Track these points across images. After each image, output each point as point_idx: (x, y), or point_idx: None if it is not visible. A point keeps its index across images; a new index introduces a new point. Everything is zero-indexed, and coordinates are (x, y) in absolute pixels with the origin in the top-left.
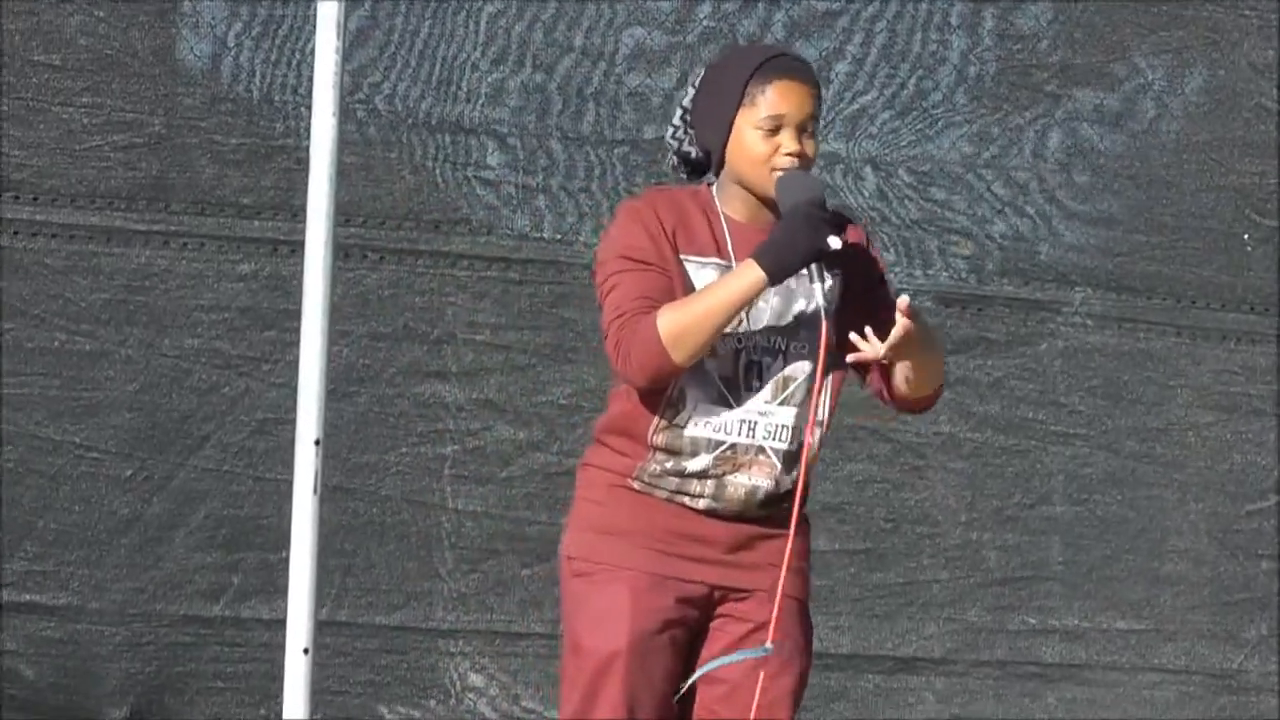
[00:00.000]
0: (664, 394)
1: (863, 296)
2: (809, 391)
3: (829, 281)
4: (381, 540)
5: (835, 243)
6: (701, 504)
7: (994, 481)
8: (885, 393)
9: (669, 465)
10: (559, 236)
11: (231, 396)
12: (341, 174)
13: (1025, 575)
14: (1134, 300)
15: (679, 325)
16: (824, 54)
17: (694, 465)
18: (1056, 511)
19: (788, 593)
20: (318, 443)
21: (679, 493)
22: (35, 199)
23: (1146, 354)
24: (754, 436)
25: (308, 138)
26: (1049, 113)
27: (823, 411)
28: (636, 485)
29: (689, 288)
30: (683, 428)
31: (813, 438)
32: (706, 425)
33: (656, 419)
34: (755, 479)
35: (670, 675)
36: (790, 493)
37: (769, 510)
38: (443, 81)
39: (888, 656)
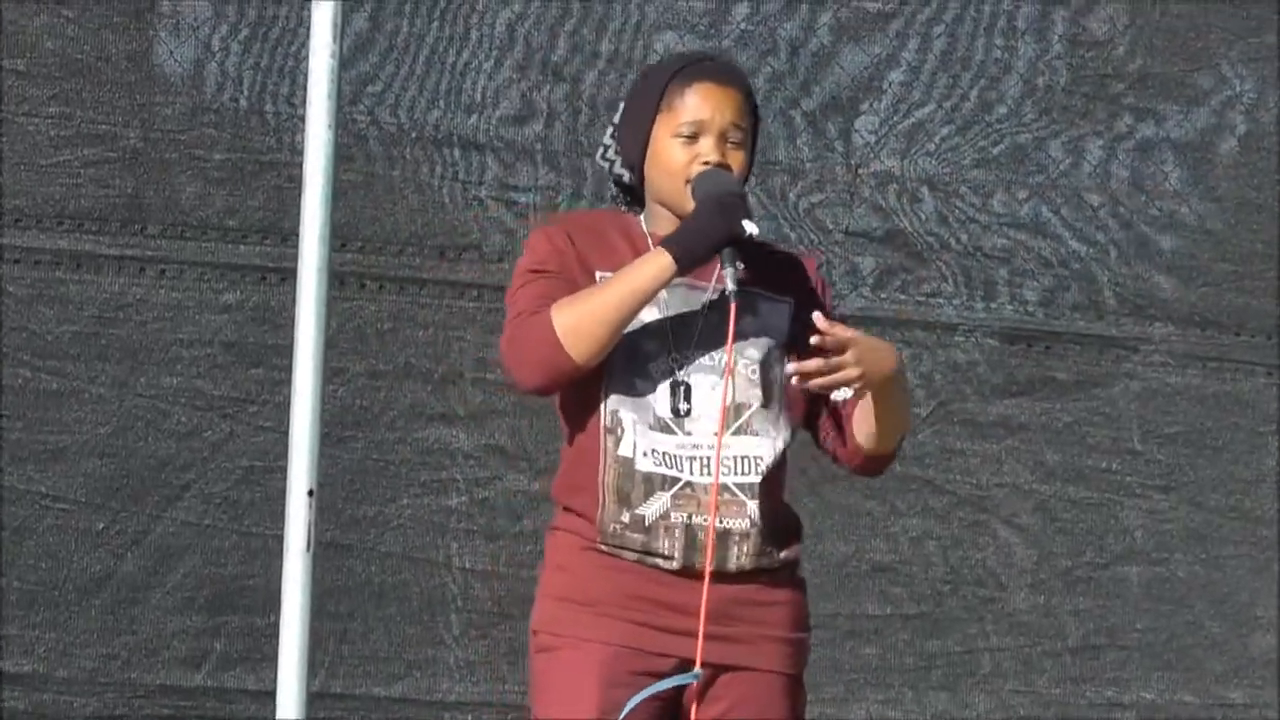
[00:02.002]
0: (597, 421)
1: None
2: (770, 418)
3: (741, 268)
4: (380, 603)
5: (751, 227)
6: (675, 565)
7: (1064, 539)
8: (838, 448)
9: (625, 519)
10: None
11: (214, 441)
12: (338, 193)
13: (1099, 643)
14: (1219, 337)
15: (575, 316)
16: (876, 61)
17: (651, 511)
18: (1133, 572)
19: (775, 667)
20: (310, 494)
21: (647, 554)
22: None
23: (1233, 397)
24: (708, 473)
25: (301, 153)
26: (1126, 128)
27: (779, 435)
28: (604, 547)
29: None
30: (631, 459)
31: (763, 449)
32: (654, 457)
33: (601, 456)
34: (726, 522)
35: None
36: (778, 538)
37: (756, 563)
38: (452, 91)
39: None
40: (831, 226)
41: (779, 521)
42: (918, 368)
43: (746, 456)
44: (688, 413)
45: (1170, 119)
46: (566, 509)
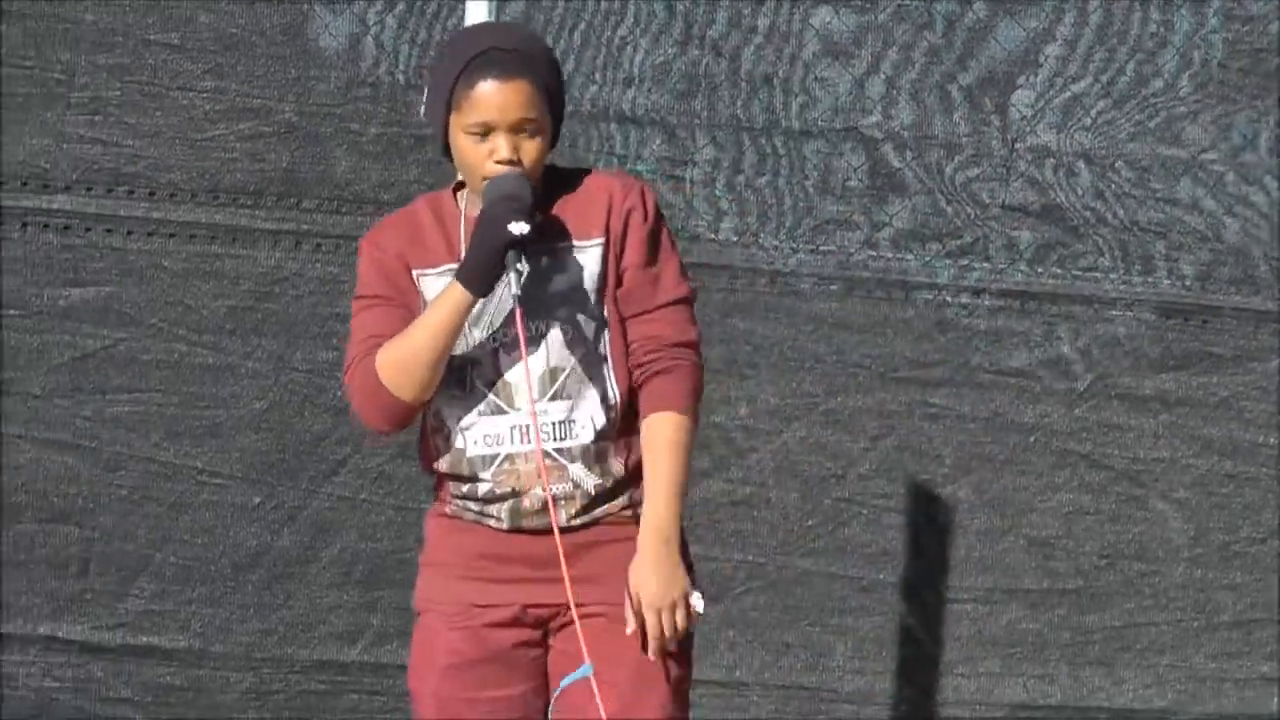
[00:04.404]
0: (423, 421)
1: (620, 269)
2: (587, 376)
3: (524, 268)
4: None
5: (518, 228)
6: (504, 527)
7: (1220, 513)
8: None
9: (465, 489)
10: (735, 239)
11: None
12: None
13: (1256, 618)
14: None
15: (395, 363)
16: (1032, 35)
17: (482, 488)
18: None
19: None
20: None
21: (482, 515)
22: (152, 194)
23: None
24: (529, 441)
25: None
26: None
27: (610, 389)
28: (448, 510)
29: (425, 305)
30: (463, 449)
31: (593, 415)
32: (483, 443)
33: (434, 450)
34: (551, 488)
35: (509, 705)
36: (615, 490)
37: (593, 515)
38: (609, 66)
39: (1103, 708)
40: (988, 201)
41: (611, 472)
42: (1075, 342)
43: (565, 421)
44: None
45: None
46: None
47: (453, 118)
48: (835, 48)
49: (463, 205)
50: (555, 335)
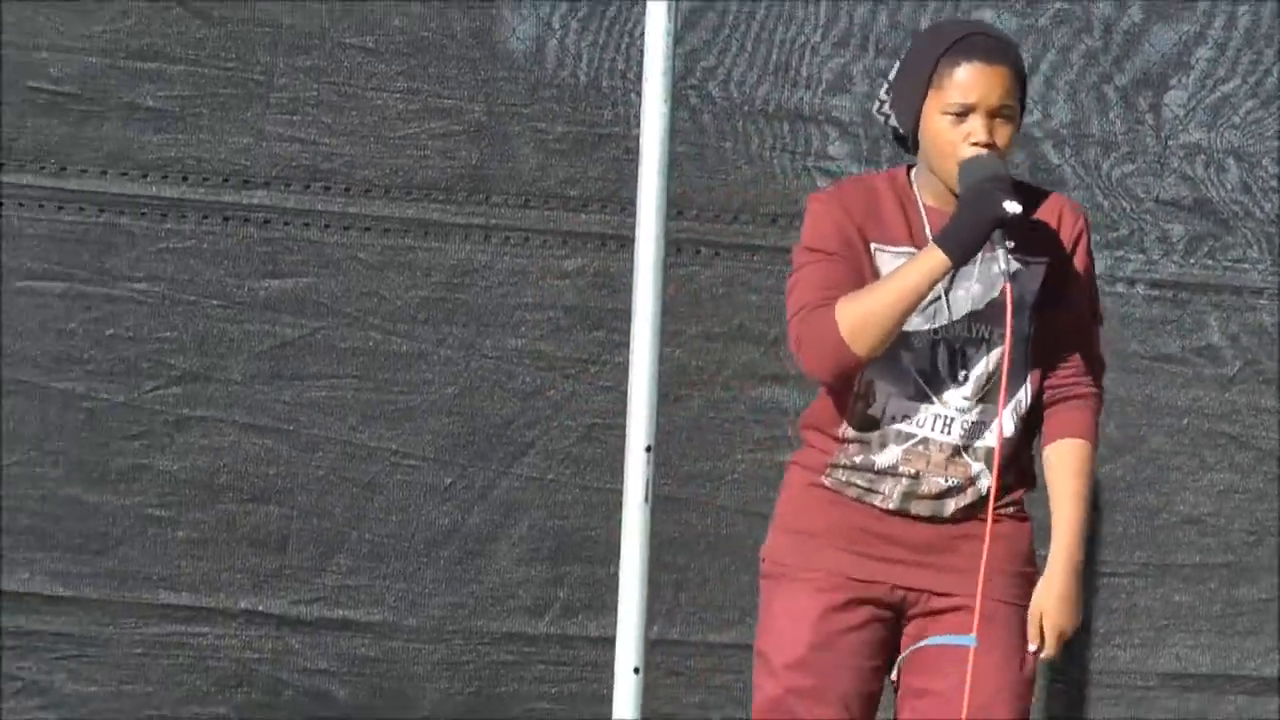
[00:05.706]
0: (852, 389)
1: (1056, 291)
2: (1012, 380)
3: (1011, 245)
4: (716, 554)
5: (1013, 207)
6: (891, 504)
7: None
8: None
9: (858, 460)
10: None
11: (556, 400)
12: (673, 164)
13: None
14: None
15: (858, 316)
16: (1183, 38)
17: (883, 459)
18: None
19: (998, 596)
20: (649, 450)
21: (869, 491)
22: (347, 190)
23: None
24: (950, 434)
25: (637, 126)
26: None
27: (1023, 397)
28: (827, 482)
29: (878, 278)
30: (878, 419)
31: (1005, 420)
32: (900, 419)
33: (848, 414)
34: (951, 480)
35: (863, 678)
36: (1002, 493)
37: (968, 515)
38: (781, 66)
39: (1251, 677)
40: (1143, 195)
41: (1005, 477)
42: (1226, 329)
43: (979, 423)
44: (959, 383)
45: None
46: (805, 442)
47: (930, 96)
48: None
49: (917, 192)
50: (997, 342)
